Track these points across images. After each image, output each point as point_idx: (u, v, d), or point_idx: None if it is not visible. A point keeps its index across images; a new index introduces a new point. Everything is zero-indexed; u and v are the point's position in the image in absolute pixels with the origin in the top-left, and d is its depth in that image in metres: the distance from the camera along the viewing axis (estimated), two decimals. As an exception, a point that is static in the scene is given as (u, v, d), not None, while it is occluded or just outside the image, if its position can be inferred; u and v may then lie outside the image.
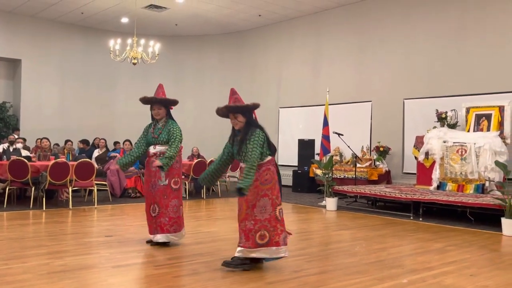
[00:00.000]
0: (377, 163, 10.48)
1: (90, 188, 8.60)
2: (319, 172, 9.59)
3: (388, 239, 5.90)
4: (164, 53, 13.42)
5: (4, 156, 8.89)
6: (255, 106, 4.28)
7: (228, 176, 11.27)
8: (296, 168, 11.93)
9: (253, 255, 4.14)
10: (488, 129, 8.45)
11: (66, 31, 13.81)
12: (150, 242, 5.20)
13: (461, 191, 8.13)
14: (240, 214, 4.19)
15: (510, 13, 9.17)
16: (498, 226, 6.50)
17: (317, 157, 10.54)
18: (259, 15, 12.85)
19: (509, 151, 8.08)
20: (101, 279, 3.95)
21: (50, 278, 3.83)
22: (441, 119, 9.04)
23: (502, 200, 6.48)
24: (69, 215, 7.46)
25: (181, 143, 5.15)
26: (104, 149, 10.94)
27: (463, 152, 8.29)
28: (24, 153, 9.23)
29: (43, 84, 13.47)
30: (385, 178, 10.43)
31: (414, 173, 9.50)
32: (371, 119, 11.29)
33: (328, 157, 9.40)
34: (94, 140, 12.37)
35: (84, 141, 11.79)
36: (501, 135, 8.23)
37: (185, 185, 10.19)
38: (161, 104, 5.20)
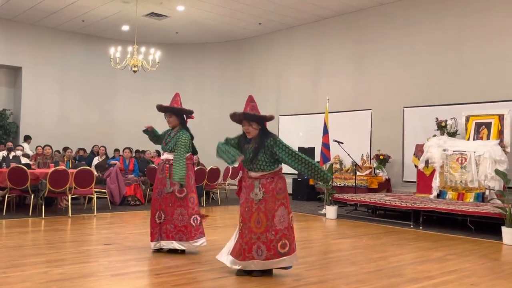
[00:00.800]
0: (377, 171, 10.47)
1: (90, 195, 8.58)
2: (319, 180, 9.56)
3: (388, 248, 5.89)
4: (164, 61, 13.46)
5: (4, 164, 8.88)
6: (271, 118, 4.37)
7: (228, 184, 11.25)
8: (296, 176, 11.90)
9: (276, 266, 4.18)
10: (488, 138, 8.46)
11: (67, 39, 13.87)
12: (158, 250, 5.16)
13: (461, 199, 8.12)
14: (259, 226, 4.14)
15: (509, 22, 9.21)
16: (498, 235, 6.49)
17: (317, 165, 10.50)
18: (259, 24, 12.90)
19: (509, 159, 8.08)
20: (100, 287, 3.93)
21: (49, 287, 3.81)
22: (441, 127, 9.05)
23: (502, 208, 6.47)
24: (68, 223, 7.44)
25: (187, 151, 5.15)
26: (103, 157, 10.93)
27: (463, 161, 8.29)
28: (24, 160, 9.22)
29: (43, 91, 13.50)
30: (385, 186, 10.41)
31: (414, 182, 9.49)
32: (371, 127, 11.30)
33: (328, 165, 9.39)
34: (93, 147, 12.37)
35: (82, 149, 11.84)
36: (501, 144, 8.23)
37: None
38: (172, 113, 5.26)
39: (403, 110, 10.67)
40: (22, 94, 13.22)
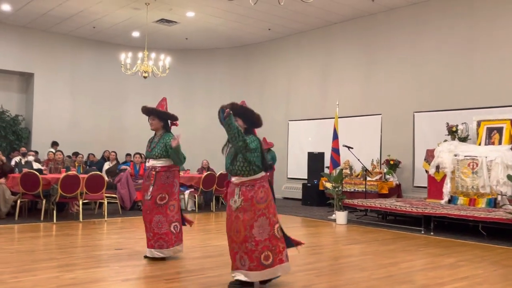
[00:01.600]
0: (387, 176, 10.41)
1: (101, 200, 8.64)
2: (328, 185, 9.55)
3: (398, 254, 5.85)
4: (174, 67, 13.53)
5: (16, 169, 8.99)
6: (259, 118, 4.13)
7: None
8: (306, 181, 11.89)
9: (260, 278, 3.94)
10: (500, 143, 8.38)
11: (78, 45, 14.01)
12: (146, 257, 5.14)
13: (473, 205, 8.04)
14: (238, 236, 3.94)
15: (520, 26, 9.14)
16: (511, 241, 6.41)
17: (326, 170, 10.50)
18: (269, 29, 12.94)
19: (521, 164, 7.99)
20: (110, 293, 3.96)
21: (60, 292, 3.84)
22: (452, 132, 8.99)
23: (514, 214, 6.40)
24: (80, 227, 7.49)
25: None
26: (114, 162, 11.00)
27: (475, 166, 8.22)
28: (36, 165, 9.32)
29: (55, 97, 13.64)
30: (396, 191, 10.35)
31: (425, 187, 9.42)
32: (381, 132, 11.26)
33: (338, 170, 9.36)
34: (104, 152, 12.45)
35: (91, 154, 11.96)
36: (513, 149, 8.15)
37: (195, 198, 10.20)
38: (155, 116, 5.16)
39: (414, 115, 10.61)
40: (34, 100, 13.37)
